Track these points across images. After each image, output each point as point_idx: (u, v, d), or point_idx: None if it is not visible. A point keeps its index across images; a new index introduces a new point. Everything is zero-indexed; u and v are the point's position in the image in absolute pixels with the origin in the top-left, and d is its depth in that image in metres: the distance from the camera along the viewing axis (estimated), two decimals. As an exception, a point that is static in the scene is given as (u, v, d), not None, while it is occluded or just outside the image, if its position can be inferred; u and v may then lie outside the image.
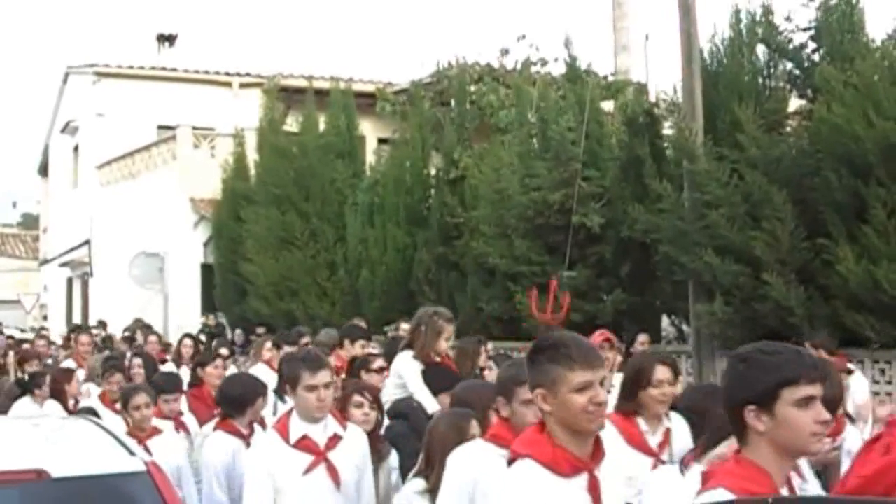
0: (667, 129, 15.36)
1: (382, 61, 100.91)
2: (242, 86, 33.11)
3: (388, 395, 8.28)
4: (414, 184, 21.10)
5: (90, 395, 11.88)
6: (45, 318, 40.86)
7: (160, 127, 32.37)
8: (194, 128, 30.35)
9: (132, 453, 6.10)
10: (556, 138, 15.83)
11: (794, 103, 14.15)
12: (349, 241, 22.08)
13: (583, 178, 15.41)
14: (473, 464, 5.37)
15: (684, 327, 15.13)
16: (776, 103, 13.73)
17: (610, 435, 5.73)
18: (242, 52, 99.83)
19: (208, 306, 27.69)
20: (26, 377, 13.04)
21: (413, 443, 7.13)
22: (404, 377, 8.44)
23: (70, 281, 38.33)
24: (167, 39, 37.60)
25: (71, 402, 11.34)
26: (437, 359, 8.57)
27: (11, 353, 17.66)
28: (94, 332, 21.38)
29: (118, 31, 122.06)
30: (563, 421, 4.20)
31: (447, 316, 8.78)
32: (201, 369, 11.29)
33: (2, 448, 6.19)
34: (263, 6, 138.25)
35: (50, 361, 16.82)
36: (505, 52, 23.85)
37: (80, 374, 13.03)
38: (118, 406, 10.31)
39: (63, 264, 38.07)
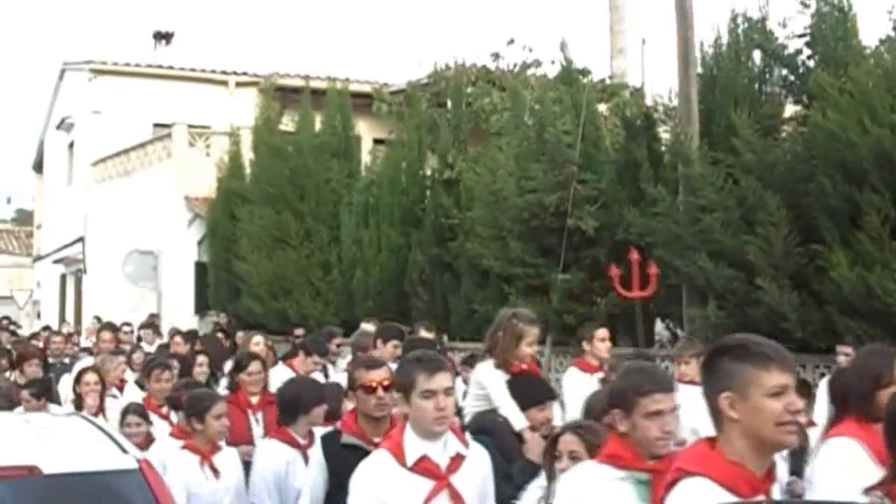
0: (663, 133, 15.37)
1: (379, 62, 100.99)
2: (238, 84, 33.13)
3: (469, 408, 7.69)
4: (409, 184, 21.10)
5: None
6: (38, 315, 40.86)
7: (156, 125, 32.38)
8: (190, 126, 30.35)
9: (124, 451, 6.12)
10: (552, 141, 15.84)
11: (790, 109, 14.17)
12: (343, 241, 22.08)
13: (578, 180, 15.42)
14: (587, 489, 4.77)
15: (678, 331, 15.13)
16: (771, 109, 13.76)
17: (852, 452, 5.31)
18: (239, 50, 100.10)
19: (202, 305, 27.69)
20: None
21: (500, 464, 6.30)
22: (487, 388, 7.62)
23: (63, 277, 38.29)
24: (164, 37, 37.62)
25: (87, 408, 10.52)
26: (522, 366, 7.79)
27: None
28: (126, 328, 20.63)
29: (115, 28, 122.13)
30: (751, 432, 3.75)
31: (528, 317, 7.97)
32: (238, 374, 10.07)
33: (-6, 444, 6.19)
34: (260, 5, 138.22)
35: (67, 361, 16.05)
36: (496, 56, 23.84)
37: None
38: (165, 410, 10.12)
39: (57, 261, 38.03)
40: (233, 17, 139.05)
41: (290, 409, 7.65)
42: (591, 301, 15.40)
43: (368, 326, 13.34)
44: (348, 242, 21.83)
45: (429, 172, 20.87)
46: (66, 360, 16.05)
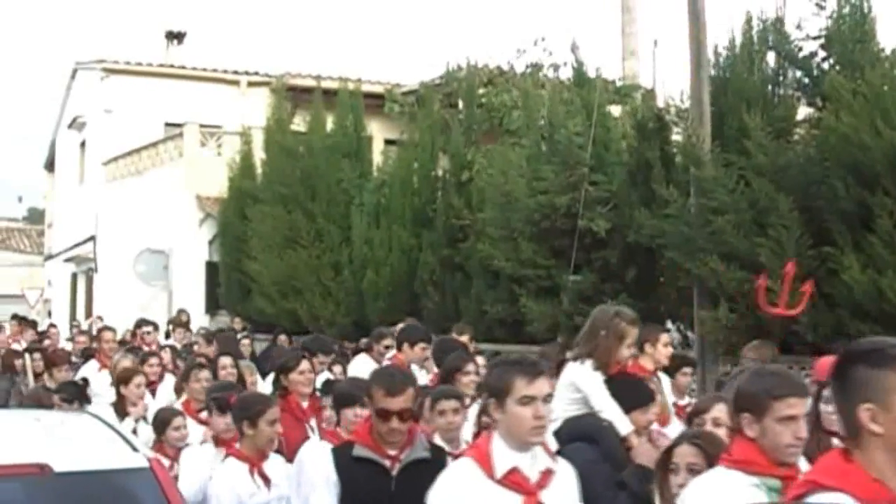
0: (675, 135, 15.34)
1: (391, 62, 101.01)
2: (250, 84, 33.21)
3: (561, 412, 7.02)
4: (420, 185, 21.10)
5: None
6: (49, 313, 40.92)
7: (167, 124, 32.49)
8: (201, 125, 30.45)
9: (135, 449, 6.12)
10: (564, 142, 15.83)
11: (803, 111, 14.13)
12: (354, 242, 22.08)
13: (590, 182, 15.40)
14: (721, 497, 4.51)
15: (689, 333, 15.10)
16: (785, 111, 13.71)
17: None
18: (251, 50, 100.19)
19: (212, 304, 27.73)
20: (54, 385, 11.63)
21: (606, 471, 6.22)
22: (586, 391, 7.04)
23: (74, 276, 38.36)
24: (176, 37, 37.69)
25: (135, 412, 10.18)
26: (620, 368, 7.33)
27: (28, 356, 15.58)
28: (146, 328, 19.59)
29: (127, 27, 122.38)
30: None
31: (631, 317, 7.50)
32: (285, 376, 9.50)
33: (5, 442, 6.20)
34: (273, 5, 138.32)
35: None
36: (521, 52, 23.82)
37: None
38: (205, 416, 9.02)
39: (68, 260, 38.12)
40: (245, 17, 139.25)
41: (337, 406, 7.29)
42: (602, 303, 15.34)
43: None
44: (359, 243, 21.83)
45: (440, 173, 20.86)
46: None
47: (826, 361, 10.04)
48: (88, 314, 34.75)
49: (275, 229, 23.62)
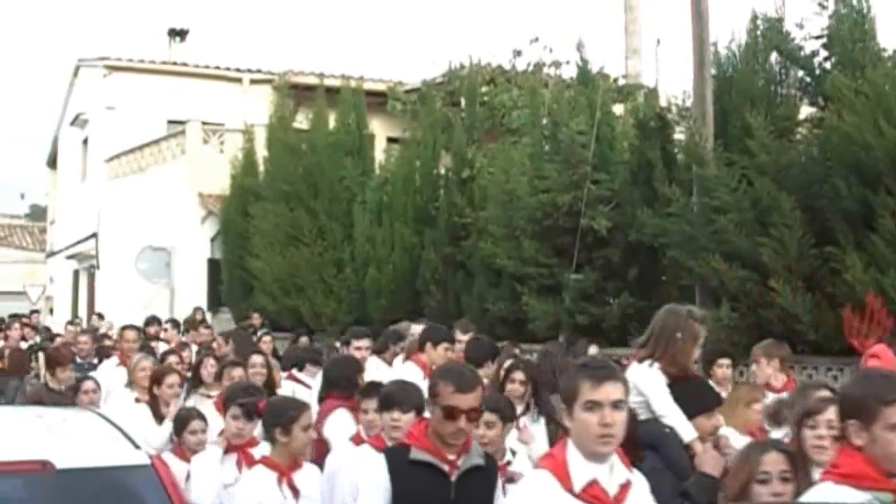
0: (678, 134, 15.35)
1: (394, 60, 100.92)
2: (253, 82, 33.22)
3: None
4: (423, 183, 21.11)
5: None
6: (51, 310, 40.93)
7: (170, 121, 32.47)
8: (204, 123, 30.46)
9: (137, 446, 6.12)
10: (566, 141, 15.83)
11: (805, 111, 14.14)
12: (357, 240, 22.09)
13: (592, 181, 15.41)
14: None
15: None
16: (787, 110, 13.72)
17: None
18: (253, 48, 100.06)
19: (214, 301, 27.73)
20: (62, 387, 11.26)
21: (669, 480, 5.79)
22: (648, 395, 6.63)
23: (76, 273, 38.36)
24: (178, 34, 37.67)
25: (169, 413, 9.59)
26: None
27: (41, 355, 14.80)
28: (166, 325, 19.66)
29: (129, 24, 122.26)
30: None
31: (702, 316, 7.12)
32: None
33: (7, 438, 6.19)
34: (275, 3, 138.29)
35: (95, 361, 14.84)
36: (517, 53, 23.86)
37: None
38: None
39: (70, 256, 38.11)
40: (248, 14, 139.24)
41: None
42: (604, 301, 15.38)
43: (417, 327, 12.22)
44: (361, 240, 21.84)
45: (442, 171, 20.87)
46: (95, 361, 14.94)
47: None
48: (90, 311, 34.74)
49: (277, 227, 23.63)
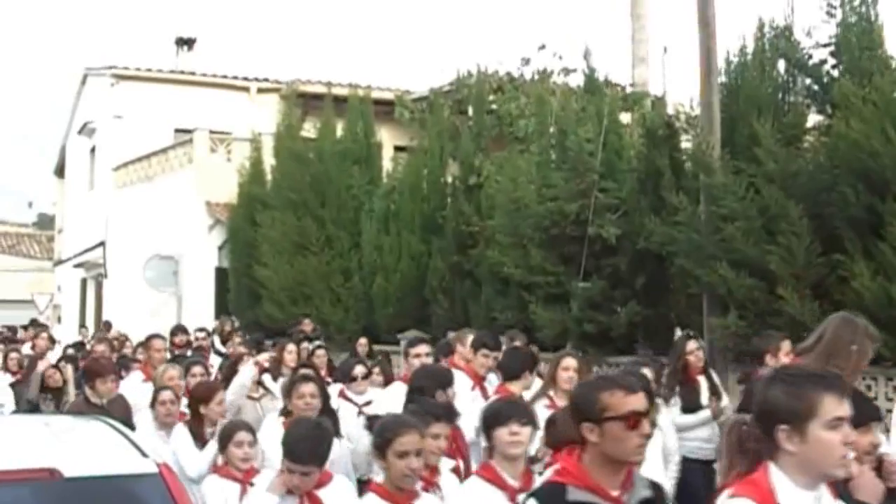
0: (685, 143, 15.34)
1: (401, 68, 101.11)
2: (260, 91, 33.27)
3: None
4: (430, 192, 21.10)
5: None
6: (59, 319, 40.98)
7: (177, 130, 32.54)
8: (211, 132, 30.49)
9: (145, 455, 6.12)
10: (574, 149, 15.83)
11: (813, 119, 14.12)
12: (364, 248, 22.11)
13: (599, 189, 15.40)
14: None
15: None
16: (795, 118, 13.71)
17: None
18: (261, 57, 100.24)
19: (222, 310, 27.74)
20: (103, 401, 10.38)
21: None
22: None
23: (84, 282, 38.41)
24: (186, 43, 37.74)
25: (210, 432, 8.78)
26: None
27: (70, 367, 14.50)
28: (200, 334, 18.59)
29: (137, 33, 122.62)
30: None
31: (874, 332, 6.62)
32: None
33: (15, 446, 6.20)
34: (283, 12, 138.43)
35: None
36: (526, 61, 23.87)
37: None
38: None
39: (77, 265, 38.16)
40: (255, 23, 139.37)
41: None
42: (612, 310, 15.37)
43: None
44: (369, 249, 21.86)
45: (450, 180, 20.88)
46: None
47: None
48: (98, 320, 34.78)
49: (284, 235, 23.65)
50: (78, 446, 6.49)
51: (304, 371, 10.30)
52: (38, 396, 13.21)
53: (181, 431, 8.96)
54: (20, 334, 25.42)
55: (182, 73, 34.42)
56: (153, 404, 9.63)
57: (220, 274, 28.36)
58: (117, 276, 33.20)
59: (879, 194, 11.81)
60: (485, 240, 18.15)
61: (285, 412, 8.74)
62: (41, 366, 14.81)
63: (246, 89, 33.52)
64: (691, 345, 11.06)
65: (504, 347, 10.41)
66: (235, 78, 33.90)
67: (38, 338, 18.37)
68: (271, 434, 8.01)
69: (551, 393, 9.15)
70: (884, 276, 11.58)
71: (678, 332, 15.58)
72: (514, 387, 9.02)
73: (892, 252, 11.58)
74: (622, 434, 4.47)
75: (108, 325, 26.03)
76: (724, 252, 13.05)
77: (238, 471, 7.62)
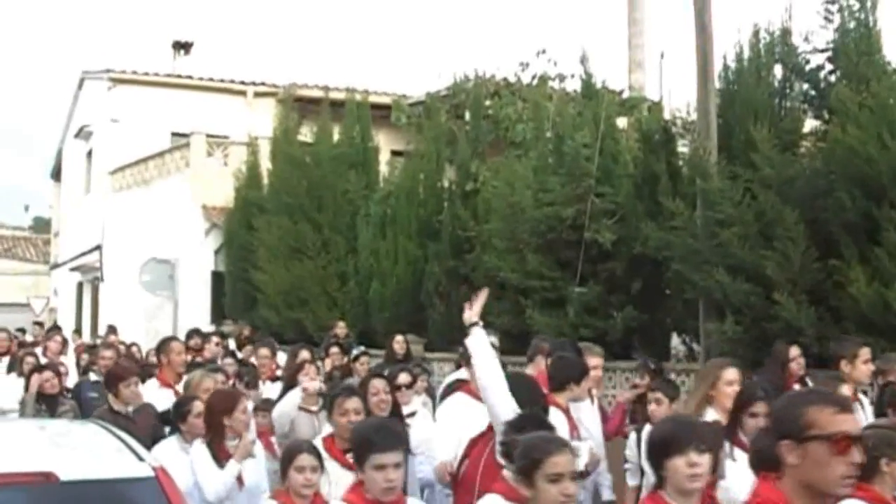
0: (681, 147, 15.34)
1: (398, 73, 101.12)
2: (257, 95, 33.28)
3: None
4: (427, 196, 21.10)
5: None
6: (54, 322, 40.96)
7: (174, 134, 32.56)
8: (208, 136, 30.51)
9: (141, 459, 6.12)
10: (571, 154, 15.83)
11: (809, 124, 14.12)
12: (360, 253, 22.11)
13: (596, 194, 15.40)
14: None
15: (694, 346, 15.08)
16: (791, 123, 13.70)
17: None
18: (258, 61, 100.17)
19: (218, 314, 27.75)
20: (128, 409, 9.72)
21: None
22: None
23: (80, 285, 38.41)
24: (183, 47, 37.75)
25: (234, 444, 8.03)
26: None
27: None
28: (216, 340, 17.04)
29: (134, 37, 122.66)
30: None
31: None
32: None
33: (11, 450, 6.20)
34: (280, 16, 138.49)
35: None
36: (525, 65, 23.88)
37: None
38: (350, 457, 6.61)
39: (74, 269, 38.16)
40: (252, 27, 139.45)
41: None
42: (608, 315, 15.36)
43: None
44: (365, 253, 21.86)
45: (447, 184, 20.88)
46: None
47: None
48: (94, 323, 34.76)
49: (281, 239, 23.66)
50: (74, 450, 6.49)
51: (347, 383, 9.46)
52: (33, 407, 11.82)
53: (199, 448, 8.01)
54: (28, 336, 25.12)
55: (179, 76, 34.42)
56: (181, 416, 8.59)
57: (217, 278, 28.37)
58: (113, 279, 33.20)
59: (875, 200, 11.81)
60: (481, 244, 18.14)
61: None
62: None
63: (243, 93, 33.53)
64: (794, 350, 10.50)
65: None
66: (232, 82, 33.92)
67: (50, 340, 17.47)
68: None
69: (711, 411, 7.81)
70: (880, 281, 11.58)
71: (674, 338, 15.62)
72: (561, 398, 8.14)
73: (888, 257, 11.58)
74: (826, 458, 3.88)
75: (112, 329, 25.88)
76: (720, 257, 13.04)
77: (300, 498, 6.84)
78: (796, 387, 10.17)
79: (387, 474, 5.34)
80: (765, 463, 4.38)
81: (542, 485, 4.93)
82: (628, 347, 15.16)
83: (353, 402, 7.57)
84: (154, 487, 5.86)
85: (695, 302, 13.90)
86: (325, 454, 7.05)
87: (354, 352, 14.75)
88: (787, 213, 12.32)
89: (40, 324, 28.67)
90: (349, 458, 6.69)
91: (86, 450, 6.50)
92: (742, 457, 6.21)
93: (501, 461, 5.65)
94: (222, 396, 8.52)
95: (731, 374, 7.85)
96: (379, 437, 5.62)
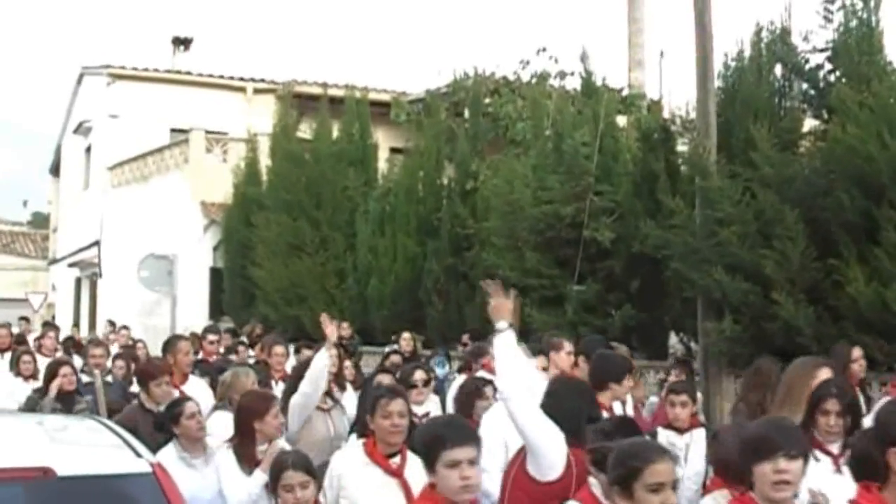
0: (681, 146, 15.33)
1: (398, 70, 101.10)
2: (256, 91, 33.28)
3: None
4: (426, 194, 21.10)
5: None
6: (53, 318, 40.94)
7: (173, 130, 32.56)
8: (207, 132, 30.52)
9: (138, 454, 6.11)
10: (570, 152, 15.82)
11: (809, 123, 14.11)
12: (359, 250, 22.10)
13: (595, 192, 15.40)
14: None
15: (692, 344, 15.08)
16: (791, 123, 13.69)
17: None
18: (257, 57, 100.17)
19: (216, 310, 27.73)
20: (160, 407, 8.94)
21: None
22: None
23: (78, 281, 38.39)
24: (182, 43, 37.72)
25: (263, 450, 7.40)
26: None
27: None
28: (212, 337, 16.51)
29: (133, 33, 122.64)
30: None
31: None
32: None
33: (8, 445, 6.19)
34: (280, 12, 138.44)
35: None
36: (524, 63, 23.87)
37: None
38: (395, 462, 6.62)
39: (72, 264, 38.15)
40: (252, 23, 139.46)
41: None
42: (607, 313, 15.36)
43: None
44: (364, 250, 21.85)
45: (446, 182, 20.87)
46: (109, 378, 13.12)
47: None
48: (92, 319, 34.75)
49: (279, 236, 23.65)
50: (72, 445, 6.48)
51: (391, 383, 8.71)
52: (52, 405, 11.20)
53: (225, 454, 7.47)
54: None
55: (178, 72, 34.44)
56: (173, 419, 7.95)
57: (215, 274, 28.38)
58: (112, 275, 33.18)
59: (875, 199, 11.81)
60: (480, 242, 18.14)
61: (363, 432, 7.16)
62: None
63: (242, 90, 33.54)
64: (856, 352, 10.29)
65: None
66: (232, 78, 33.92)
67: (45, 337, 16.95)
68: (353, 463, 6.77)
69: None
70: (878, 280, 11.57)
71: (672, 336, 15.61)
72: (604, 398, 7.65)
73: (887, 257, 11.58)
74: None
75: (113, 325, 25.84)
76: (719, 256, 13.03)
77: None
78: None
79: (462, 471, 4.96)
80: (867, 470, 4.31)
81: (641, 495, 4.57)
82: (627, 346, 15.15)
83: (398, 405, 6.81)
84: (151, 483, 5.84)
85: (693, 300, 13.89)
86: (367, 459, 6.64)
87: (387, 349, 14.39)
88: (786, 213, 12.32)
89: (26, 318, 28.38)
90: (393, 462, 6.52)
91: (83, 445, 6.49)
92: (823, 458, 6.04)
93: (591, 469, 5.32)
94: (255, 398, 7.91)
95: (826, 373, 7.24)
96: (450, 432, 5.17)
